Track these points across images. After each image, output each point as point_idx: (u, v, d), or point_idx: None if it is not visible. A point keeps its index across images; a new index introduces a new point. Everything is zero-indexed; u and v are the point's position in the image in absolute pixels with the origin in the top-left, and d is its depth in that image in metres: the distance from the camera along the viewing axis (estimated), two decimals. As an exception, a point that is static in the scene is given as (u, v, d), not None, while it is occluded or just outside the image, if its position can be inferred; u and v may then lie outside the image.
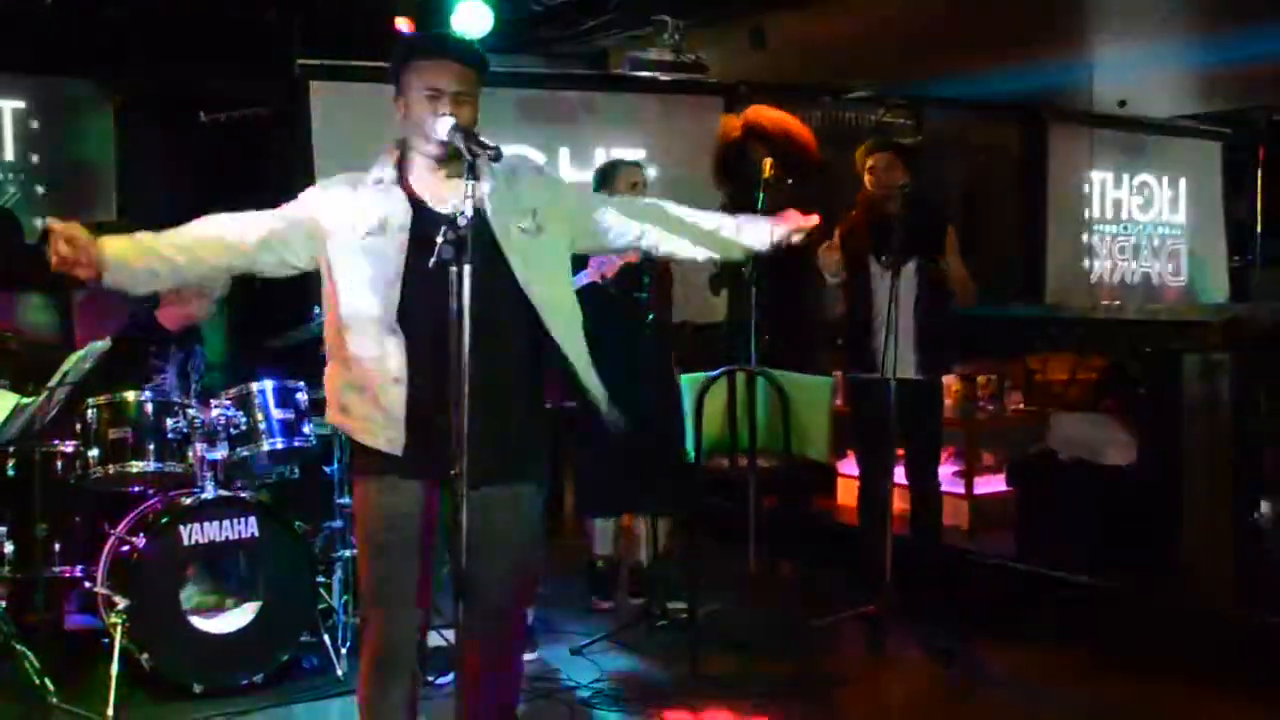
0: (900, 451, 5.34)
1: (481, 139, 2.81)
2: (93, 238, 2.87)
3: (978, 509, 6.34)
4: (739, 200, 5.61)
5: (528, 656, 4.77)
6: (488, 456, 2.83)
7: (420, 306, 2.91)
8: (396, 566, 3.01)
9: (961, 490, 6.39)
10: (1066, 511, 5.60)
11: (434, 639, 4.49)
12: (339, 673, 4.53)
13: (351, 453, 3.15)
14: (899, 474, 5.37)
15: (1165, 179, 10.09)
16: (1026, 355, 7.39)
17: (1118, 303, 9.24)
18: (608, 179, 5.23)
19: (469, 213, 2.71)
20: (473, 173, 2.77)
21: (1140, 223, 10.00)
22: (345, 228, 2.96)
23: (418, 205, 2.97)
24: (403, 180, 3.00)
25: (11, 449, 4.48)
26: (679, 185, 7.16)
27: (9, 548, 4.39)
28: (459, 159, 2.84)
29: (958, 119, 8.88)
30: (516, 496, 3.09)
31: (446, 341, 2.73)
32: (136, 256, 2.94)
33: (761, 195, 5.18)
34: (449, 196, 2.95)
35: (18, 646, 4.17)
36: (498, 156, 2.81)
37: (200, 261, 3.01)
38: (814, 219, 3.29)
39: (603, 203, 3.38)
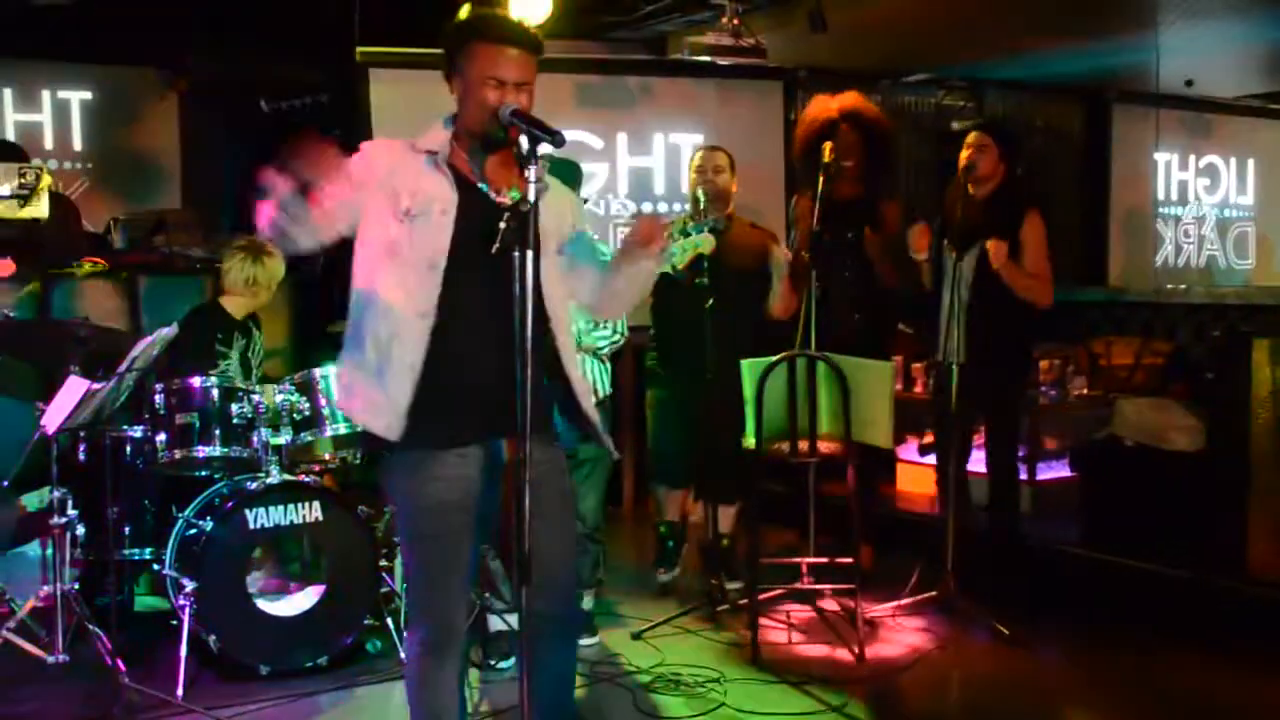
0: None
1: (544, 123, 2.79)
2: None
3: (1041, 494, 6.27)
4: (806, 181, 5.59)
5: (588, 641, 4.79)
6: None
7: (459, 294, 2.91)
8: (441, 555, 3.00)
9: (1025, 475, 6.33)
10: (1131, 498, 5.53)
11: (495, 623, 4.52)
12: (401, 655, 4.56)
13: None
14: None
15: (1232, 160, 9.91)
16: (1090, 339, 7.30)
17: (1183, 286, 9.10)
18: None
19: (533, 197, 2.69)
20: (534, 158, 2.76)
21: (1206, 204, 9.85)
22: (387, 199, 2.93)
23: (465, 188, 2.95)
24: (454, 159, 2.98)
25: (82, 434, 4.56)
26: (738, 170, 7.15)
27: (80, 530, 4.47)
28: (517, 144, 2.82)
29: (1019, 101, 8.78)
30: (554, 461, 3.08)
31: (482, 328, 2.81)
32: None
33: (821, 179, 5.18)
34: (500, 181, 2.96)
35: (90, 627, 4.24)
36: (560, 141, 2.80)
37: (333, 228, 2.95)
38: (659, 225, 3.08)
39: (583, 234, 3.23)
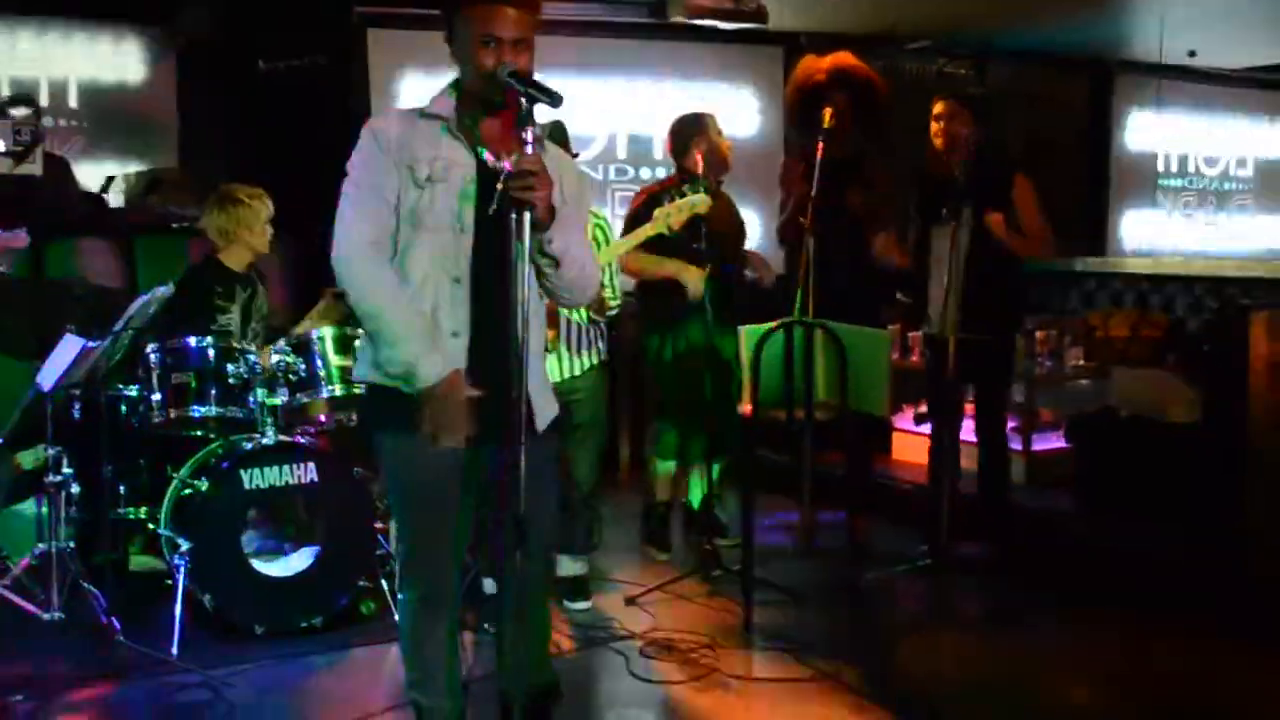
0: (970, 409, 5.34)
1: (541, 84, 2.77)
2: None
3: (1035, 466, 6.28)
4: (799, 142, 5.56)
5: (582, 606, 4.81)
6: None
7: (483, 260, 2.91)
8: (435, 514, 3.04)
9: (1019, 447, 6.33)
10: (1126, 469, 5.53)
11: (489, 586, 4.53)
12: (396, 617, 4.57)
13: (380, 406, 3.01)
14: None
15: (1234, 131, 9.89)
16: (1087, 311, 7.30)
17: (1181, 258, 9.09)
18: (692, 131, 5.22)
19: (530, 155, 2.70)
20: (530, 119, 2.75)
21: (1207, 176, 9.82)
22: (409, 168, 2.92)
23: (479, 156, 2.94)
24: (463, 126, 2.95)
25: (78, 393, 4.55)
26: (736, 136, 7.12)
27: (76, 489, 4.46)
28: (515, 106, 2.79)
29: (1021, 71, 8.73)
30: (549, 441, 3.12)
31: (505, 295, 2.73)
32: None
33: (820, 145, 5.14)
34: (498, 145, 2.94)
35: (85, 586, 4.25)
36: (558, 102, 2.78)
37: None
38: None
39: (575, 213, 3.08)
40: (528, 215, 2.71)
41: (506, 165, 2.81)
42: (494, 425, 2.83)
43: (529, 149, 2.72)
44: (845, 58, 5.50)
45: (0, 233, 4.06)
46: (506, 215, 2.73)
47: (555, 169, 2.94)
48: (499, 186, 2.77)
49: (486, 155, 2.95)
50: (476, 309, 2.93)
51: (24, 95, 6.07)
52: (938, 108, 5.22)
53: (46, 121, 6.58)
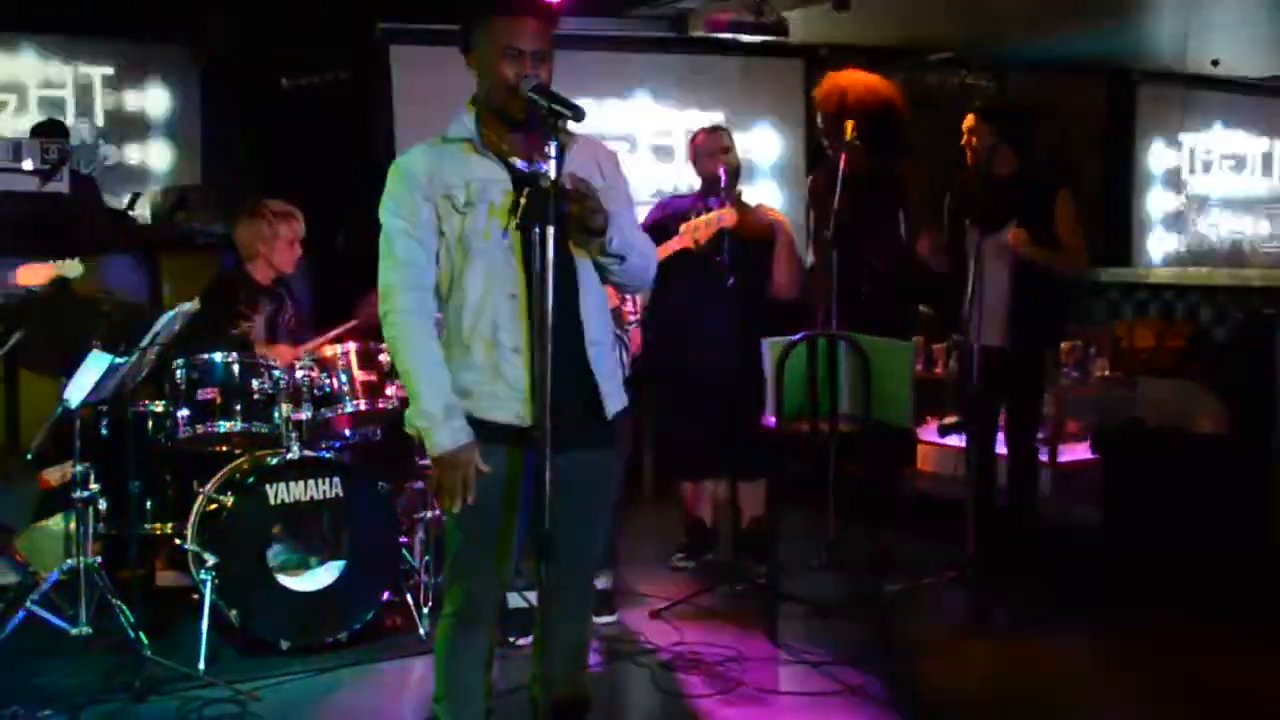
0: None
1: (565, 98, 2.77)
2: None
3: (1062, 477, 6.24)
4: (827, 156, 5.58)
5: (607, 619, 4.79)
6: (575, 419, 2.89)
7: (532, 273, 2.85)
8: (485, 529, 3.01)
9: (1046, 458, 6.30)
10: (1153, 480, 5.50)
11: (514, 600, 4.52)
12: (421, 632, 4.58)
13: None
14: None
15: (1259, 140, 9.84)
16: (1113, 321, 7.27)
17: (1205, 269, 9.04)
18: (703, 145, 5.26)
19: (553, 172, 2.70)
20: (554, 132, 2.75)
21: (1232, 186, 9.77)
22: (445, 198, 2.91)
23: (511, 168, 2.92)
24: (487, 142, 2.94)
25: (105, 408, 4.57)
26: (759, 149, 7.12)
27: (103, 505, 4.49)
28: (539, 119, 2.78)
29: (1043, 81, 8.70)
30: (600, 456, 3.09)
31: (561, 302, 2.75)
32: None
33: (843, 157, 5.13)
34: (527, 155, 2.93)
35: (112, 601, 4.27)
36: (580, 116, 2.78)
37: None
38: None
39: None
40: (551, 230, 2.71)
41: (542, 167, 2.76)
42: (564, 432, 2.80)
43: (552, 164, 2.71)
44: (861, 82, 5.50)
45: (53, 262, 4.13)
46: (534, 227, 2.73)
47: (592, 156, 2.99)
48: (521, 200, 2.78)
49: (518, 163, 2.93)
50: (535, 323, 2.86)
51: (54, 122, 6.15)
52: (966, 122, 5.23)
53: (73, 139, 6.64)
